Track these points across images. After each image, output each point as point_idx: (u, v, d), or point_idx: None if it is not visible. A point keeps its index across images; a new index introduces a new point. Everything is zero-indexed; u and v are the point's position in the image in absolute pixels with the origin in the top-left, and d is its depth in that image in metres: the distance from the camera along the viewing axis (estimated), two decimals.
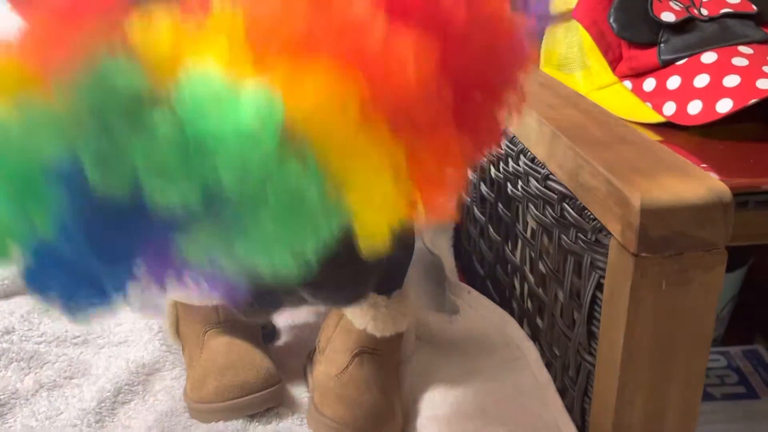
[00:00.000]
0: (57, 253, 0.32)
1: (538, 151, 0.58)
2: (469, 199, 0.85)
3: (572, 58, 0.99)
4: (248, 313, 0.47)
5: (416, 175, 0.32)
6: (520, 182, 0.64)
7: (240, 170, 0.28)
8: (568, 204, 0.53)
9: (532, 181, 0.60)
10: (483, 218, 0.79)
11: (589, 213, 0.49)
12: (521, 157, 0.63)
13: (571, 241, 0.52)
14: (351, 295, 0.56)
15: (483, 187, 0.78)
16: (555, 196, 0.55)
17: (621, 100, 0.88)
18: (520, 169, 0.63)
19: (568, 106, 0.60)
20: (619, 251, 0.44)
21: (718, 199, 0.41)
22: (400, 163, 0.31)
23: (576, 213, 0.51)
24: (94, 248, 0.31)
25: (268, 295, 0.43)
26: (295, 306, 0.38)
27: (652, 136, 0.80)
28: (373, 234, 0.32)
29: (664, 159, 0.46)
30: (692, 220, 0.41)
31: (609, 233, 0.46)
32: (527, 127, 0.60)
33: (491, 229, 0.76)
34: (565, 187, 0.53)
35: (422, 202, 0.34)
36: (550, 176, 0.56)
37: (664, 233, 0.41)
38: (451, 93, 0.32)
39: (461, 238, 0.89)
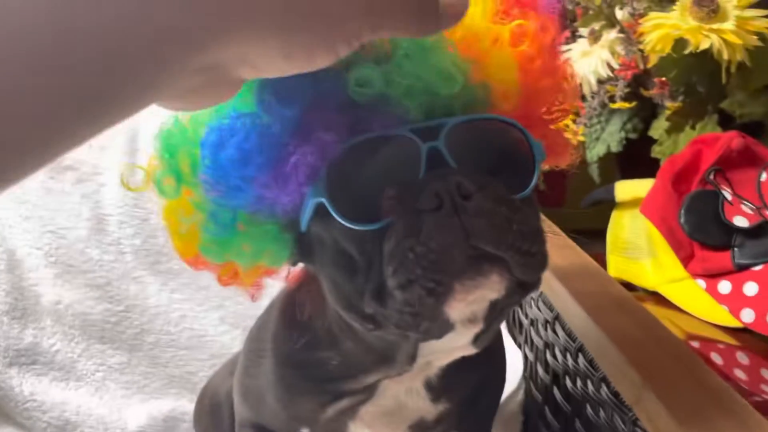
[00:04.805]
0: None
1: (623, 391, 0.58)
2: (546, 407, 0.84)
3: (640, 246, 0.99)
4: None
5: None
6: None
7: None
8: None
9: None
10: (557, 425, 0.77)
11: None
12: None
13: None
14: None
15: (547, 414, 0.76)
16: None
17: (695, 299, 0.87)
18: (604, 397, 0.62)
19: (652, 343, 0.59)
20: None
21: None
22: None
23: None
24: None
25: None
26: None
27: (729, 340, 0.78)
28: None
29: (733, 410, 0.46)
30: None
31: None
32: (613, 366, 0.59)
33: None
34: None
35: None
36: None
37: None
38: None
39: None
